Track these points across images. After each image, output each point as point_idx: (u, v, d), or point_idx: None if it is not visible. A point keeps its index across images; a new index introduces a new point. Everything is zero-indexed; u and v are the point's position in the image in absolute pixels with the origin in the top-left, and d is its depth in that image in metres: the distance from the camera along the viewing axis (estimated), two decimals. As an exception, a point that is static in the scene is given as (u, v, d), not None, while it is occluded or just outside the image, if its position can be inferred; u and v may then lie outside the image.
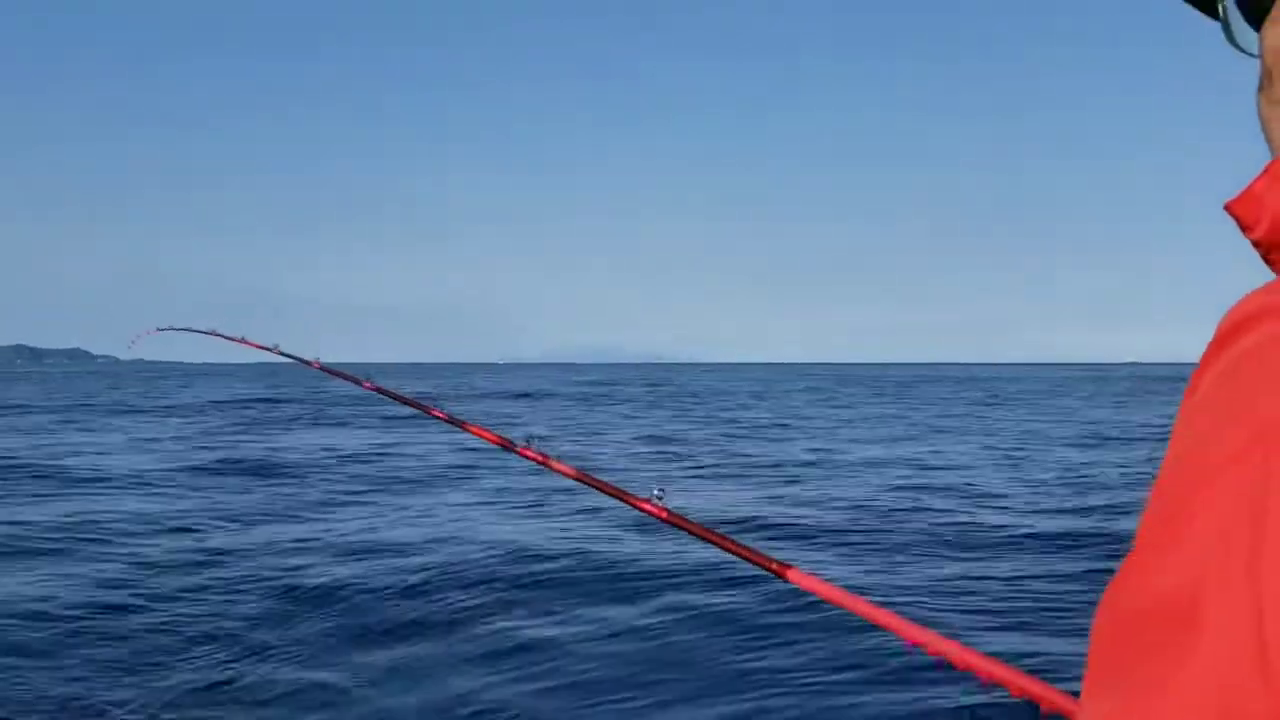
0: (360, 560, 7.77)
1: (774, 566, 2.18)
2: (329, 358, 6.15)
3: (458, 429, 3.18)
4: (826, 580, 2.02)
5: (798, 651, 5.57)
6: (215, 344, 7.02)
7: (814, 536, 8.88)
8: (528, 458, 2.68)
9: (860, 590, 2.01)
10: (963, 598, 6.74)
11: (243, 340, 7.17)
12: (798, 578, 2.16)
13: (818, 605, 5.93)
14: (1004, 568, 7.52)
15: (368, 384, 4.87)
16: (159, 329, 6.84)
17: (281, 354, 6.72)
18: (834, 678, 5.16)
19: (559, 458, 2.61)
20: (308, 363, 6.03)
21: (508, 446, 2.81)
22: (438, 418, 3.47)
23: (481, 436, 2.99)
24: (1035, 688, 1.75)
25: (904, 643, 1.97)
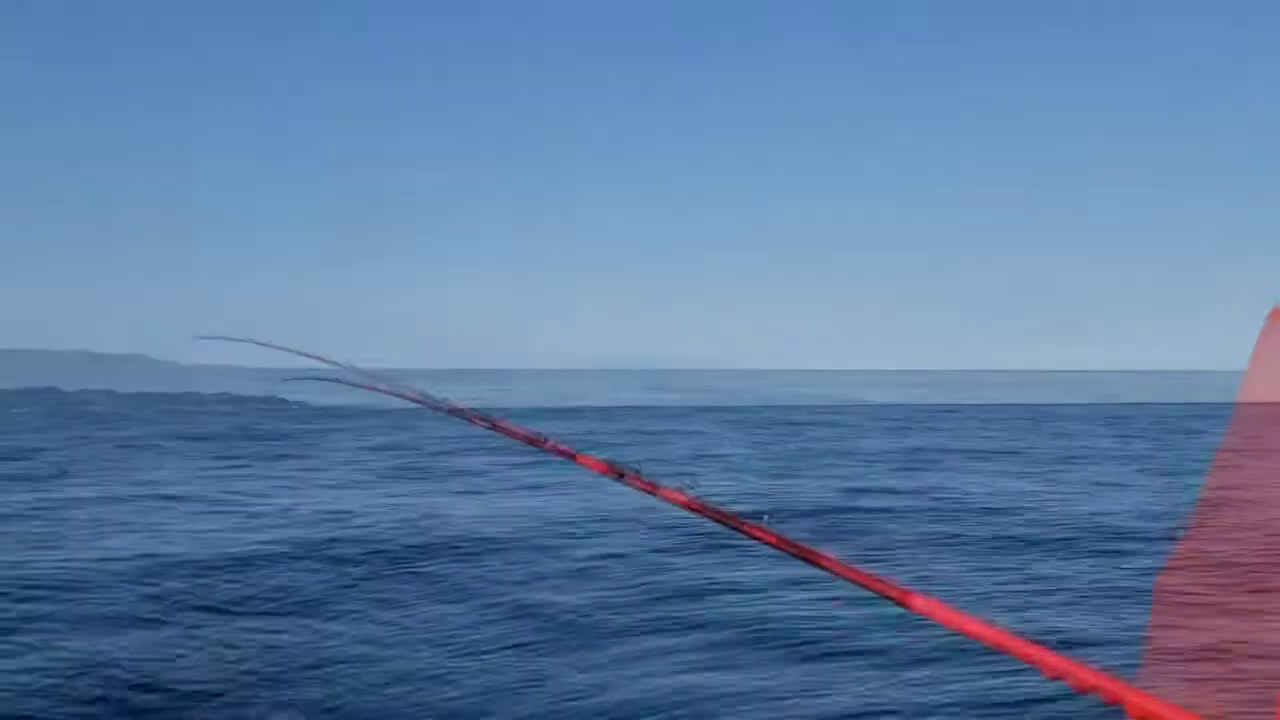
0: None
1: (896, 593, 2.06)
2: (362, 364, 5.79)
3: (569, 460, 3.16)
4: (953, 607, 1.89)
5: (925, 683, 5.32)
6: (268, 350, 6.65)
7: None
8: (637, 486, 2.64)
9: (989, 619, 1.88)
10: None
11: (287, 348, 6.82)
12: (923, 605, 2.04)
13: (944, 634, 5.67)
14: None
15: (476, 419, 4.82)
16: (199, 336, 6.78)
17: (330, 362, 6.37)
18: (966, 713, 4.90)
19: (668, 485, 2.56)
20: (362, 385, 5.85)
21: (617, 475, 2.78)
22: (549, 450, 3.47)
23: (590, 466, 2.97)
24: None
25: (1043, 674, 1.82)
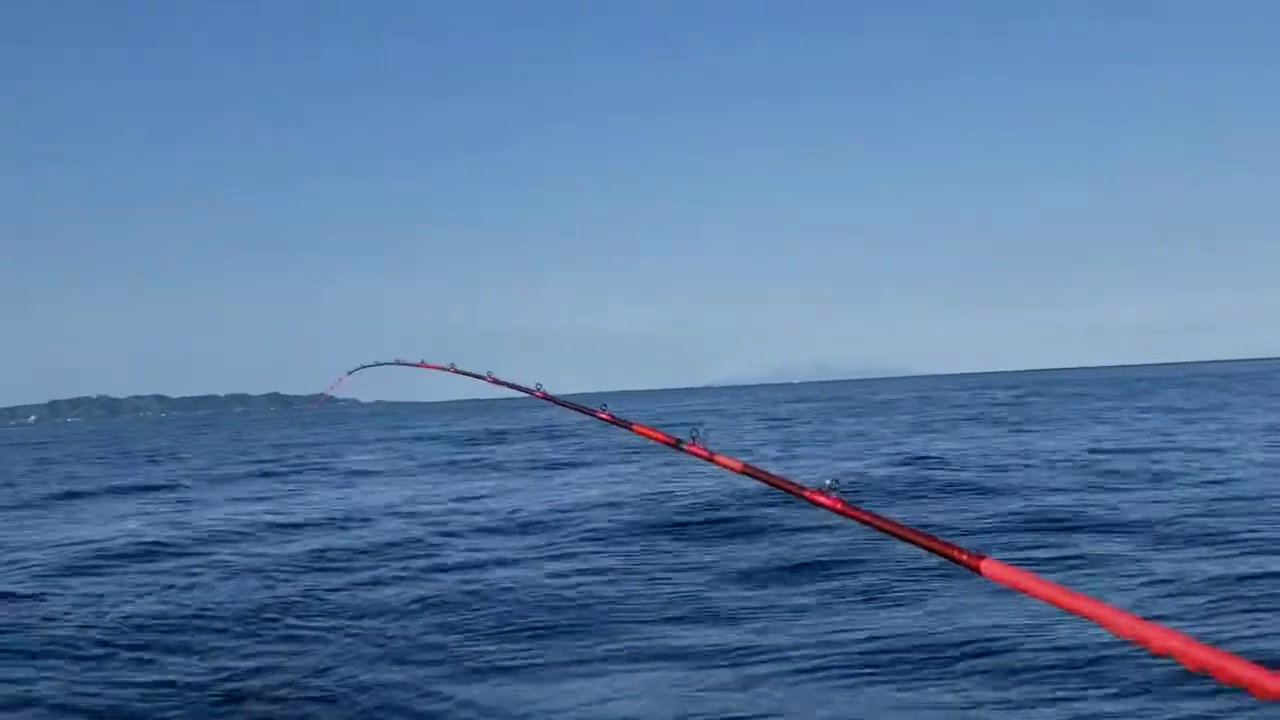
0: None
1: (965, 558, 2.01)
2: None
3: (624, 428, 3.15)
4: (1021, 570, 1.84)
5: (997, 647, 5.25)
6: (442, 383, 7.30)
7: None
8: (694, 454, 2.62)
9: (1063, 581, 1.83)
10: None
11: (421, 364, 7.49)
12: (992, 569, 1.99)
13: (1015, 598, 5.60)
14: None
15: (538, 393, 4.96)
16: (349, 372, 7.34)
17: (457, 371, 6.97)
18: (1043, 676, 4.83)
19: (724, 452, 2.54)
20: (480, 377, 6.24)
21: (674, 444, 2.76)
22: (604, 419, 3.46)
23: (647, 436, 2.95)
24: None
25: (1117, 637, 1.77)
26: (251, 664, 5.74)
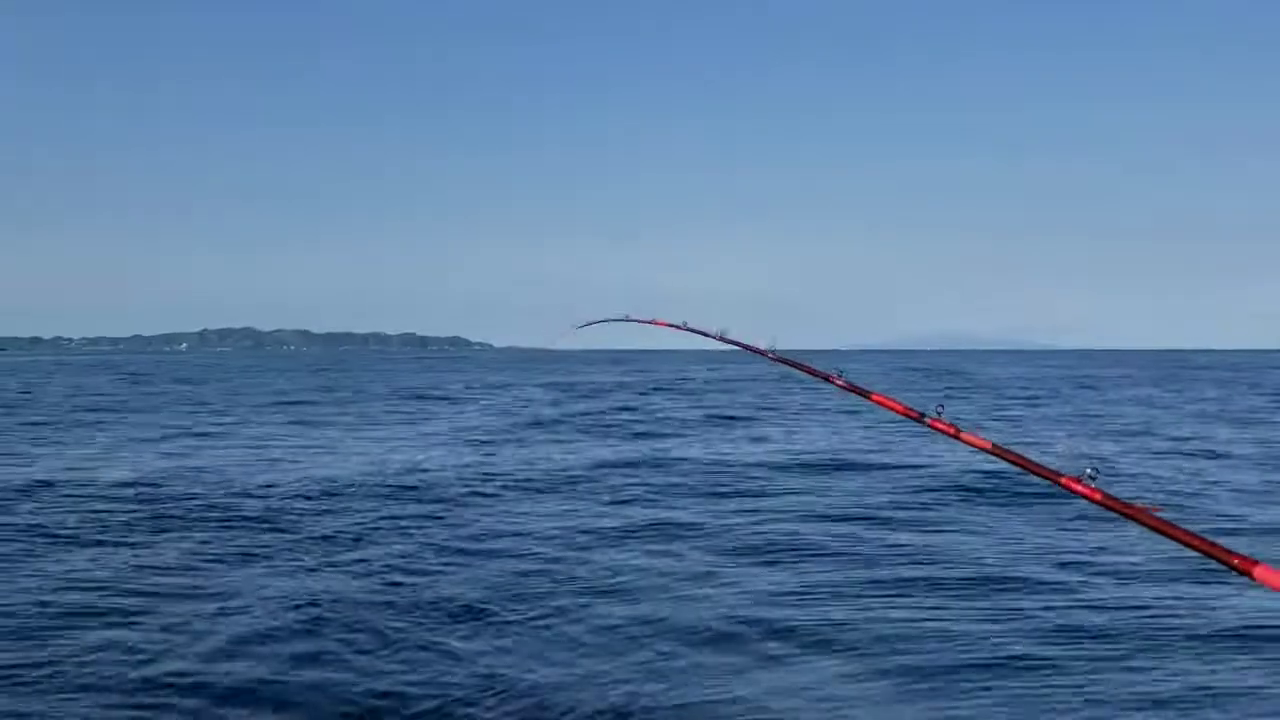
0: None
1: (1236, 561, 1.88)
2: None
3: (862, 398, 3.10)
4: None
5: (1269, 666, 4.82)
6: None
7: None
8: (938, 429, 2.54)
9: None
10: None
11: (654, 321, 7.41)
12: (1267, 576, 1.85)
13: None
14: None
15: (771, 355, 4.92)
16: (576, 326, 7.45)
17: (689, 329, 6.99)
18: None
19: (972, 430, 2.44)
20: (711, 335, 6.24)
21: (916, 418, 2.68)
22: (840, 386, 3.42)
23: (887, 406, 2.89)
24: None
25: None
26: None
